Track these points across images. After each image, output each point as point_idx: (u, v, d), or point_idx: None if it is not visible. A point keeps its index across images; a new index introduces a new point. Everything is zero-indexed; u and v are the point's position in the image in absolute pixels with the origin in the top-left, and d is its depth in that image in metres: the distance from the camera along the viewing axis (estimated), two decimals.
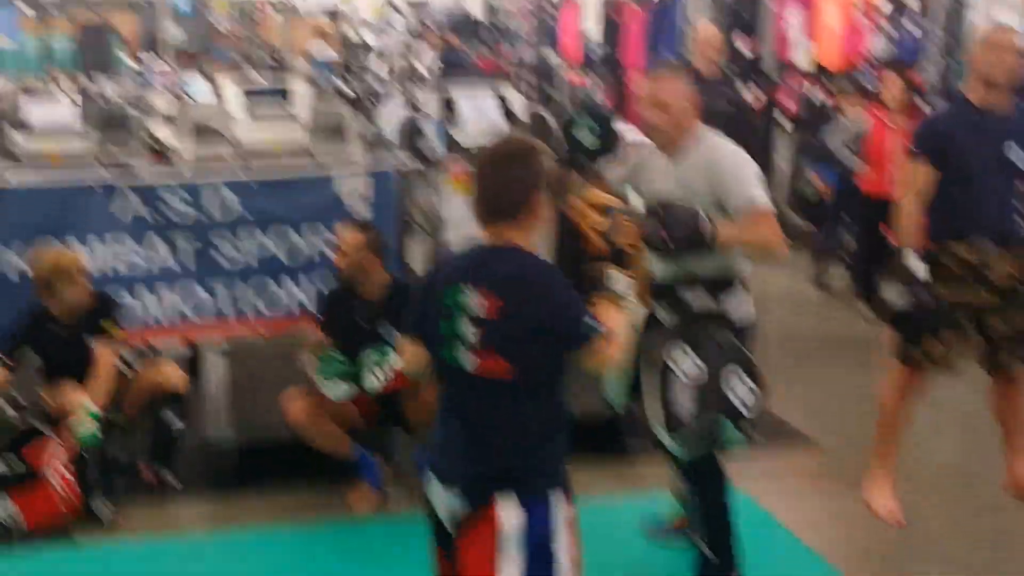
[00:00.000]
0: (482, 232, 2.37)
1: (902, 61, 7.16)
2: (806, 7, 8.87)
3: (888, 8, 8.04)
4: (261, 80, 8.51)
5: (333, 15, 15.60)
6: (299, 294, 4.52)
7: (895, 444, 3.99)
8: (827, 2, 8.65)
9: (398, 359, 3.61)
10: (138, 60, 12.80)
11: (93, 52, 10.71)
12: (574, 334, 2.26)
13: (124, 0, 15.48)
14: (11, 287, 4.25)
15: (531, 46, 12.98)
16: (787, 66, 9.04)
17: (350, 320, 4.03)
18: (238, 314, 4.48)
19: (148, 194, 4.35)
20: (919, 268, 3.68)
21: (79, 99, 7.28)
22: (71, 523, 3.82)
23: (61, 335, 4.03)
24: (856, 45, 8.29)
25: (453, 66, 11.41)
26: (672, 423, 2.94)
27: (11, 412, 4.02)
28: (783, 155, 8.90)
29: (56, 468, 3.80)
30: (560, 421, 2.37)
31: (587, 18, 11.99)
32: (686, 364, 2.92)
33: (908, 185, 3.80)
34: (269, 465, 4.29)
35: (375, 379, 3.72)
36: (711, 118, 3.30)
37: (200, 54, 13.63)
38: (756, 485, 4.03)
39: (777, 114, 8.87)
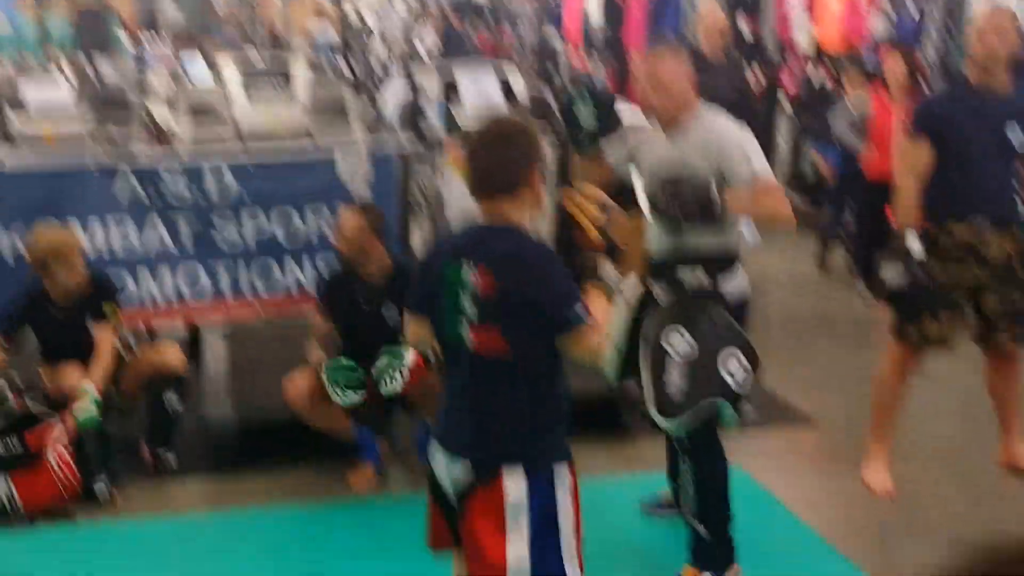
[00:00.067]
0: (480, 209, 2.41)
1: (903, 43, 7.13)
2: None
3: None
4: (261, 61, 8.46)
5: None
6: (299, 275, 4.52)
7: (891, 421, 4.01)
8: None
9: (411, 358, 3.64)
10: (137, 41, 12.74)
11: (91, 34, 10.67)
12: (562, 320, 2.31)
13: None
14: (7, 269, 4.24)
15: (533, 27, 12.93)
16: (788, 48, 9.00)
17: (351, 303, 4.03)
18: (238, 295, 4.48)
19: (147, 176, 4.34)
20: (916, 247, 3.69)
21: (77, 81, 7.26)
22: (71, 504, 3.83)
23: (59, 317, 4.03)
24: (857, 27, 8.25)
25: (454, 47, 11.38)
26: (668, 406, 2.96)
27: (9, 394, 4.02)
28: (784, 136, 8.88)
29: (56, 451, 3.81)
30: (560, 394, 2.42)
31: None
32: (682, 347, 2.93)
33: (907, 166, 3.80)
34: (269, 445, 4.30)
35: (393, 383, 3.72)
36: (714, 100, 3.30)
37: (199, 35, 13.57)
38: (754, 462, 4.05)
39: (779, 96, 8.84)
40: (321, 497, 3.95)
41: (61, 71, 7.91)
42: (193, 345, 4.85)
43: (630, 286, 3.31)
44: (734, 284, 3.17)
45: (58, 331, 4.04)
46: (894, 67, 6.12)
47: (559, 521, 2.37)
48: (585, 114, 3.11)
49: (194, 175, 4.36)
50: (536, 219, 2.46)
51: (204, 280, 4.44)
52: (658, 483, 3.74)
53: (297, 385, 3.97)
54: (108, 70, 8.68)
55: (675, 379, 2.93)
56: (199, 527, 3.79)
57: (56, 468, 3.79)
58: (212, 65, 7.07)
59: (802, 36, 8.85)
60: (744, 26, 9.02)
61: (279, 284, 4.51)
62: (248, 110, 5.68)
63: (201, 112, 5.62)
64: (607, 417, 4.38)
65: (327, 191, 4.46)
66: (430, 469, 2.48)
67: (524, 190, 2.37)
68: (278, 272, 4.50)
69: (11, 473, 3.78)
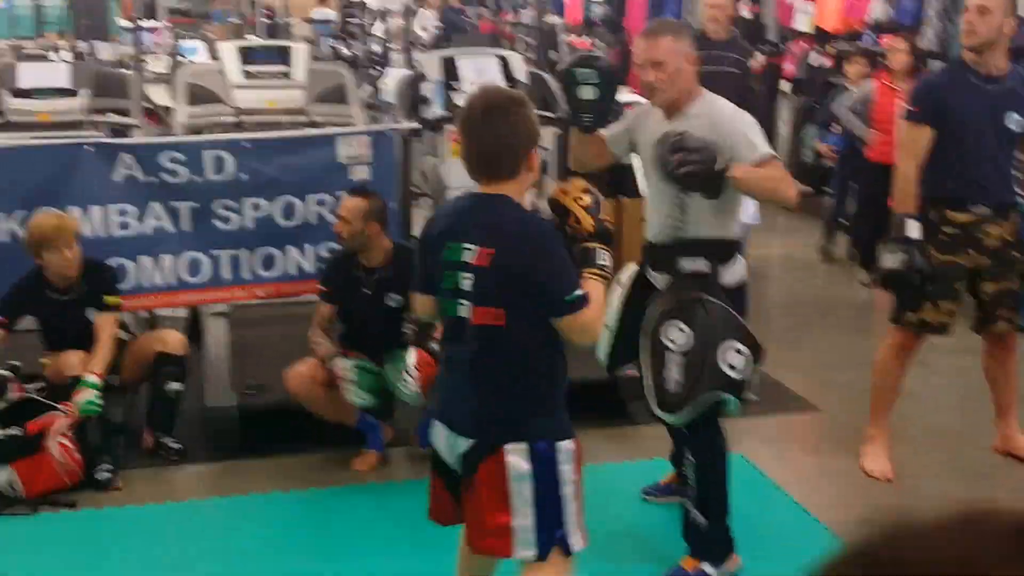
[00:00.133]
0: (479, 188, 2.43)
1: (902, 25, 7.10)
2: None
3: None
4: (260, 44, 8.41)
5: None
6: (300, 258, 4.50)
7: (890, 406, 4.03)
8: None
9: (412, 358, 3.67)
10: (133, 21, 12.66)
11: (86, 14, 10.58)
12: (558, 302, 2.33)
13: None
14: (6, 253, 4.21)
15: (533, 8, 12.83)
16: (788, 30, 8.95)
17: (353, 288, 4.02)
18: (239, 279, 4.46)
19: (144, 157, 4.30)
20: (915, 231, 3.68)
21: (73, 61, 7.22)
22: (73, 490, 3.82)
23: (59, 302, 4.01)
24: (858, 10, 8.21)
25: (454, 28, 11.31)
26: (668, 401, 2.96)
27: (11, 384, 4.01)
28: (784, 119, 8.85)
29: (58, 438, 3.79)
30: (561, 370, 2.45)
31: None
32: (681, 341, 2.93)
33: (906, 148, 3.79)
34: (270, 430, 4.29)
35: (408, 387, 3.74)
36: (717, 82, 3.26)
37: (198, 17, 13.49)
38: (753, 447, 4.06)
39: (780, 80, 8.80)
40: (324, 482, 3.95)
41: (58, 54, 7.86)
42: (194, 328, 4.84)
43: (626, 273, 3.31)
44: (733, 273, 3.15)
45: (58, 316, 4.02)
46: (898, 50, 6.09)
47: (562, 492, 2.39)
48: (584, 86, 3.04)
49: (192, 155, 4.32)
50: (534, 196, 2.49)
51: (204, 262, 4.41)
52: (659, 470, 3.75)
53: (299, 375, 3.95)
54: (104, 50, 8.63)
55: (674, 374, 2.94)
56: (201, 512, 3.79)
57: (58, 457, 3.78)
58: (210, 46, 7.03)
59: (801, 18, 8.80)
60: (745, 7, 8.97)
61: (280, 266, 4.48)
62: (246, 93, 5.64)
63: (199, 94, 5.59)
64: (607, 404, 4.37)
65: (326, 172, 4.42)
66: (431, 448, 2.52)
67: (524, 173, 2.38)
68: (278, 254, 4.48)
69: (13, 461, 3.76)
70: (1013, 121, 3.70)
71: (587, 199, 2.51)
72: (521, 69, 5.43)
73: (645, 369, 3.02)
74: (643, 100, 3.36)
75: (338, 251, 4.17)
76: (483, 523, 2.41)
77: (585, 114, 3.06)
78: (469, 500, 2.43)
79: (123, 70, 6.57)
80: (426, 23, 12.11)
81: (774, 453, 4.19)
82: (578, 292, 2.34)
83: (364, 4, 13.11)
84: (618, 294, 3.24)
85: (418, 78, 5.45)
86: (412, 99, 5.36)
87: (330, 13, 13.78)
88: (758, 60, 8.04)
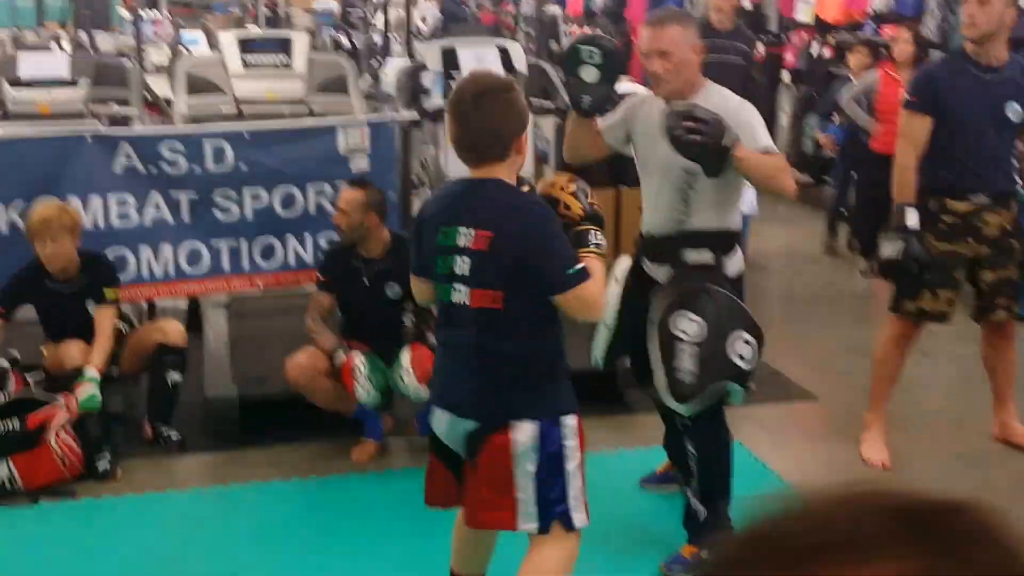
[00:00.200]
0: (470, 172, 2.46)
1: (903, 15, 7.08)
2: None
3: None
4: (259, 32, 8.41)
5: None
6: (300, 248, 4.51)
7: (888, 394, 4.04)
8: None
9: (407, 356, 3.71)
10: (134, 11, 12.65)
11: (87, 4, 10.57)
12: (560, 277, 2.35)
13: None
14: (5, 243, 4.22)
15: (536, 3, 12.80)
16: (789, 20, 8.93)
17: (352, 278, 4.03)
18: (239, 269, 4.47)
19: (144, 147, 4.31)
20: (913, 220, 3.69)
21: (73, 51, 7.21)
22: (73, 481, 3.83)
23: (58, 293, 4.01)
24: (859, 0, 8.19)
25: (454, 18, 11.30)
26: (681, 391, 2.96)
27: (11, 376, 4.01)
28: (785, 110, 8.84)
29: (58, 431, 3.79)
30: (561, 347, 2.48)
31: None
32: (692, 331, 2.93)
33: (905, 138, 3.80)
34: (270, 420, 4.30)
35: (408, 383, 3.77)
36: (721, 72, 3.24)
37: (199, 8, 13.48)
38: (752, 436, 4.07)
39: (781, 71, 8.78)
40: (324, 471, 3.96)
41: (59, 44, 7.86)
42: (193, 319, 4.84)
43: (621, 268, 3.30)
44: (734, 263, 3.16)
45: (58, 307, 4.02)
46: (901, 40, 6.08)
47: (566, 467, 2.42)
48: (586, 66, 3.00)
49: (192, 146, 4.33)
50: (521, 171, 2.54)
51: (204, 253, 4.42)
52: (657, 458, 3.75)
53: (299, 365, 3.95)
54: (105, 41, 8.62)
55: (687, 364, 2.93)
56: (201, 502, 3.80)
57: (58, 449, 3.78)
58: (210, 36, 7.03)
59: (804, 10, 8.79)
60: (747, 0, 8.95)
61: (279, 257, 4.49)
62: (247, 83, 5.64)
63: (199, 84, 5.59)
64: (606, 392, 4.38)
65: (326, 162, 4.43)
66: (431, 433, 2.54)
67: (514, 155, 2.42)
68: (278, 244, 4.49)
69: (12, 455, 3.75)
70: (1012, 111, 3.71)
71: (573, 186, 2.56)
72: (521, 59, 5.43)
73: (655, 361, 3.01)
74: (640, 90, 3.35)
75: (337, 242, 4.18)
76: (486, 499, 2.43)
77: (585, 95, 3.02)
78: (472, 478, 2.45)
79: (123, 60, 6.56)
80: (426, 13, 12.09)
81: (773, 441, 4.20)
82: (579, 265, 2.37)
83: None
84: (615, 291, 3.23)
85: (418, 68, 5.45)
86: (412, 89, 5.36)
87: (331, 3, 13.77)
88: (759, 50, 8.03)
